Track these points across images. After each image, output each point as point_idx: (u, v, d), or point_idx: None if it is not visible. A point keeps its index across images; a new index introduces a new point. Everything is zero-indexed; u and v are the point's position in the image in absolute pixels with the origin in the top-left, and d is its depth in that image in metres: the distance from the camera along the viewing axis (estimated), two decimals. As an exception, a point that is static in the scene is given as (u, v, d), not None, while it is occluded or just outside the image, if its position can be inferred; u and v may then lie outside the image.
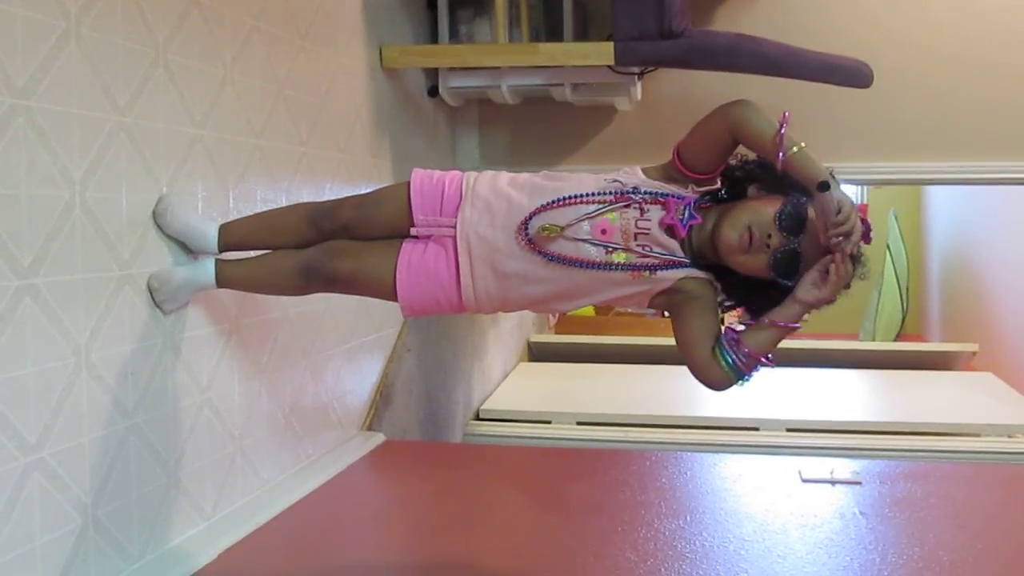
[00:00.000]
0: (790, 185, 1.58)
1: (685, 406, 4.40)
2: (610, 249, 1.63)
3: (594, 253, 1.64)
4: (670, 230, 1.64)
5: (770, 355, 1.58)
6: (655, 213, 1.64)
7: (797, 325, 1.56)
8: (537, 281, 1.69)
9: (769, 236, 1.56)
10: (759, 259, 1.58)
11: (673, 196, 1.65)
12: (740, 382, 1.60)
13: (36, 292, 1.57)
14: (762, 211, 1.58)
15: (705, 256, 1.66)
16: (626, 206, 1.64)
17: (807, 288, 1.55)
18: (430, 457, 3.03)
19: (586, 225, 1.64)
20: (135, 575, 1.83)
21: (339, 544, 2.15)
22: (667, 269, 1.64)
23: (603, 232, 1.63)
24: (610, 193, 1.65)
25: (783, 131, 1.54)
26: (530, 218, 1.66)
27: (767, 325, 1.57)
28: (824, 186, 1.50)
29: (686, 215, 1.63)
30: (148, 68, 1.86)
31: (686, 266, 1.64)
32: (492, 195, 1.71)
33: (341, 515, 2.36)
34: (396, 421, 3.25)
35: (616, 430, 4.00)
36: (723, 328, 1.61)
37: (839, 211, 1.48)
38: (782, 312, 1.57)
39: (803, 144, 1.54)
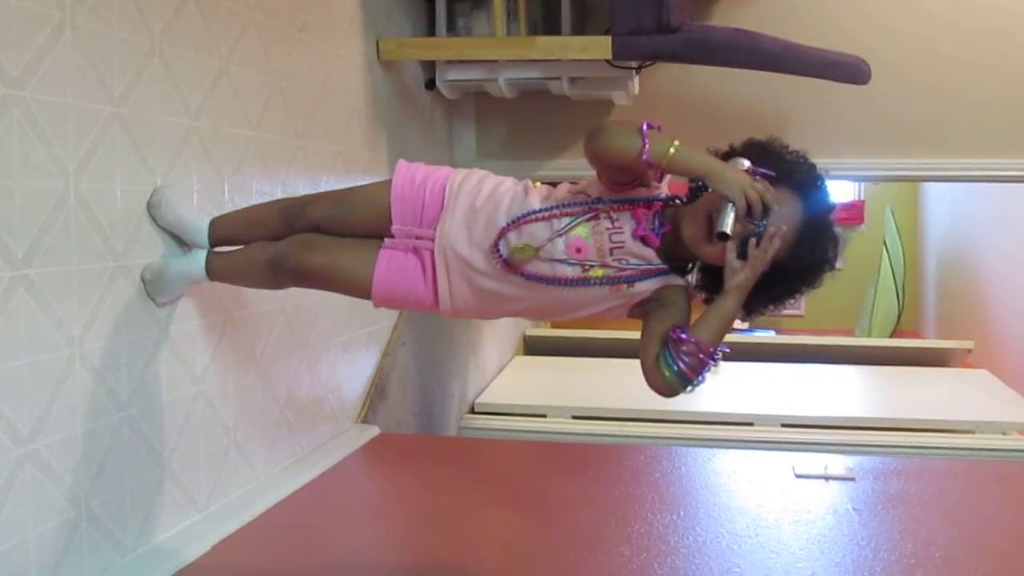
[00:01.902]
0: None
1: (680, 401, 4.37)
2: (587, 266, 1.62)
3: (570, 272, 1.62)
4: (644, 240, 1.62)
5: (717, 353, 1.55)
6: (626, 222, 1.62)
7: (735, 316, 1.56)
8: (514, 299, 1.69)
9: None
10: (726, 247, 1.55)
11: (640, 203, 1.63)
12: (687, 389, 1.58)
13: (30, 283, 1.57)
14: (723, 200, 1.55)
15: (682, 256, 1.64)
16: (595, 217, 1.62)
17: (731, 273, 1.53)
18: (425, 450, 3.03)
19: (560, 244, 1.62)
20: (128, 567, 1.83)
21: (333, 537, 2.15)
22: (644, 280, 1.62)
23: (578, 251, 1.62)
24: (577, 204, 1.64)
25: (646, 146, 1.51)
26: (500, 238, 1.64)
27: (710, 315, 1.56)
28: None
29: (656, 224, 1.62)
30: (143, 59, 1.85)
31: (663, 273, 1.63)
32: (471, 209, 1.69)
33: (335, 508, 2.36)
34: (391, 414, 3.25)
35: (611, 424, 4.00)
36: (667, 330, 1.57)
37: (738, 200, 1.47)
38: (722, 304, 1.55)
39: (676, 143, 1.52)
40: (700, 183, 1.61)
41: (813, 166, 1.63)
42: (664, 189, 1.67)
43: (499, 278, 1.66)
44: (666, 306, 1.63)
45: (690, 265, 1.68)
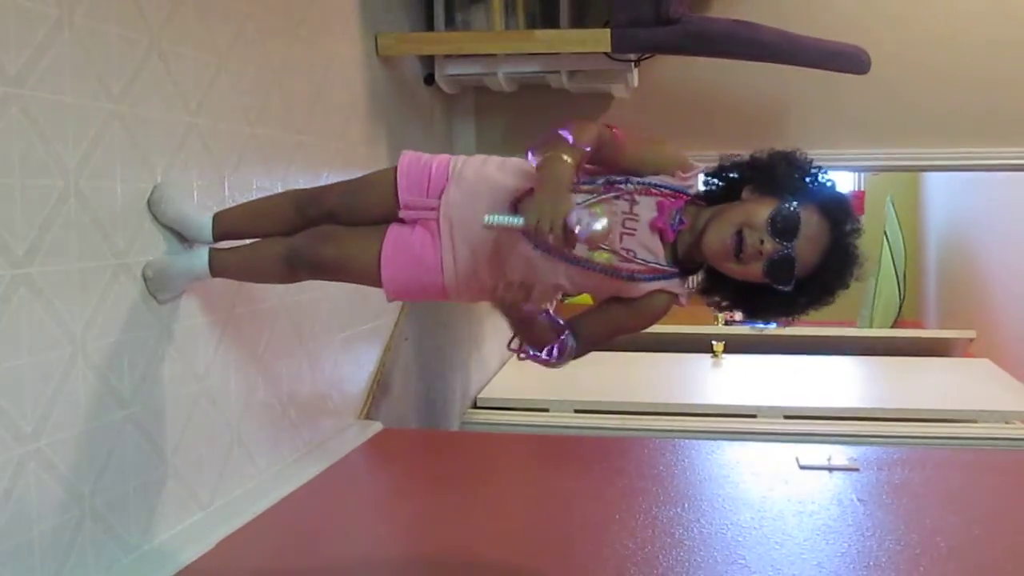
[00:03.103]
0: (785, 187, 1.54)
1: (683, 393, 4.41)
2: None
3: (576, 248, 1.59)
4: (661, 234, 1.59)
5: (536, 352, 1.64)
6: (645, 208, 1.59)
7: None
8: (514, 271, 1.65)
9: (762, 242, 1.52)
10: (753, 267, 1.53)
11: (667, 192, 1.61)
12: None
13: (31, 281, 1.57)
14: (754, 215, 1.53)
15: (694, 260, 1.62)
16: (616, 197, 1.60)
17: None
18: (428, 445, 3.04)
19: (572, 217, 1.61)
20: (132, 564, 1.83)
21: (337, 533, 2.15)
22: (645, 280, 1.60)
23: None
24: (599, 182, 1.62)
25: (537, 145, 1.56)
26: (517, 202, 1.63)
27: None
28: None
29: (676, 220, 1.59)
30: (142, 56, 1.85)
31: (664, 277, 1.61)
32: (477, 178, 1.69)
33: (339, 504, 2.36)
34: (394, 409, 3.25)
35: (614, 418, 4.00)
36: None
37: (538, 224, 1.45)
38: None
39: (558, 152, 1.52)
40: (712, 182, 1.60)
41: (834, 182, 1.61)
42: (692, 182, 1.64)
43: (503, 246, 1.64)
44: (630, 306, 1.63)
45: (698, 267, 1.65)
